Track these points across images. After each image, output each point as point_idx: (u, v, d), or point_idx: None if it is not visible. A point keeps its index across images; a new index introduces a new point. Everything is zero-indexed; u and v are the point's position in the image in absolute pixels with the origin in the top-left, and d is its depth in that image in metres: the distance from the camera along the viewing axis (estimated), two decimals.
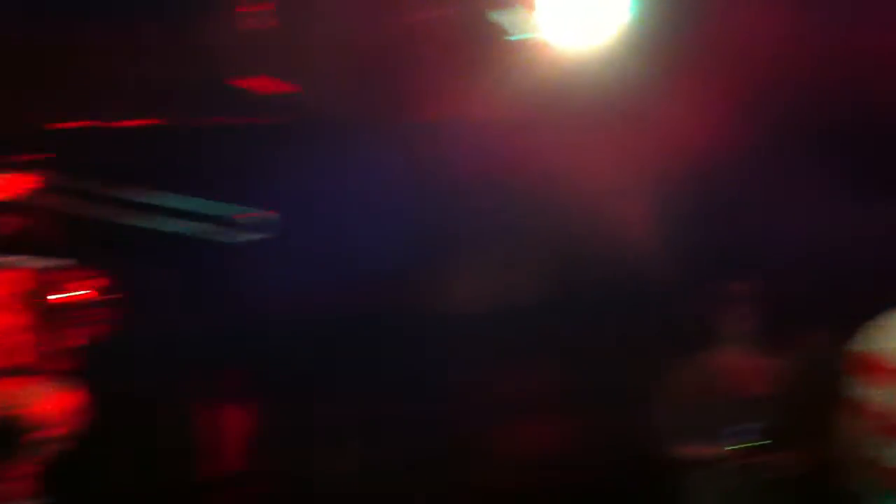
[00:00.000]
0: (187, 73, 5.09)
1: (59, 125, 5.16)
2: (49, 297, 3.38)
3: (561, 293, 5.70)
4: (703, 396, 5.46)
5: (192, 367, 5.05)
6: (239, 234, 4.22)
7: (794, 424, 4.97)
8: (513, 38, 5.00)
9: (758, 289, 5.16)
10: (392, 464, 4.83)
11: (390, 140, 5.38)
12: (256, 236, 4.28)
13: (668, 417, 5.40)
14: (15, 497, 4.00)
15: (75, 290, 4.47)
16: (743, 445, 5.04)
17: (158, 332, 5.12)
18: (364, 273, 5.34)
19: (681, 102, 5.35)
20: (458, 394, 5.20)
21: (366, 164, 5.36)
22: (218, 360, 5.07)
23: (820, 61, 5.14)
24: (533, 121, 5.46)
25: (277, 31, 5.02)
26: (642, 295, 5.70)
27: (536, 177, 5.63)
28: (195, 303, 5.18)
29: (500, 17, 4.95)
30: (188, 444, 4.90)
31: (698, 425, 5.30)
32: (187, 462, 4.79)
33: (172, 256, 4.60)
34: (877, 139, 5.65)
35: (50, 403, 3.66)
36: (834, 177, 5.56)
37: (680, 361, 5.32)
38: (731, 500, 5.24)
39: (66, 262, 3.54)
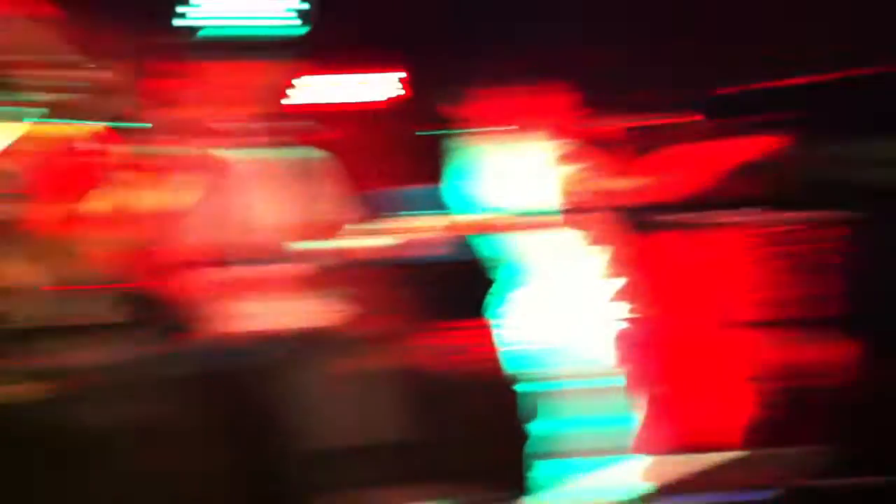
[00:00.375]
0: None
1: (798, 80, 5.14)
2: (796, 249, 3.37)
3: None
4: None
5: None
6: None
7: None
8: None
9: None
10: None
11: None
12: None
13: None
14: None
15: (819, 241, 4.44)
16: None
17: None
18: None
19: None
20: None
21: None
22: None
23: None
24: None
25: None
26: None
27: None
28: None
29: None
30: None
31: None
32: None
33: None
34: None
35: (815, 353, 3.67)
36: None
37: None
38: None
39: (810, 214, 3.50)
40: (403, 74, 6.37)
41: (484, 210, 3.93)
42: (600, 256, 3.73)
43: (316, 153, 3.62)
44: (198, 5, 5.02)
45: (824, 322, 4.35)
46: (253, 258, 3.41)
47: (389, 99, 6.48)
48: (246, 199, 3.47)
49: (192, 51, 3.42)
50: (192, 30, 5.21)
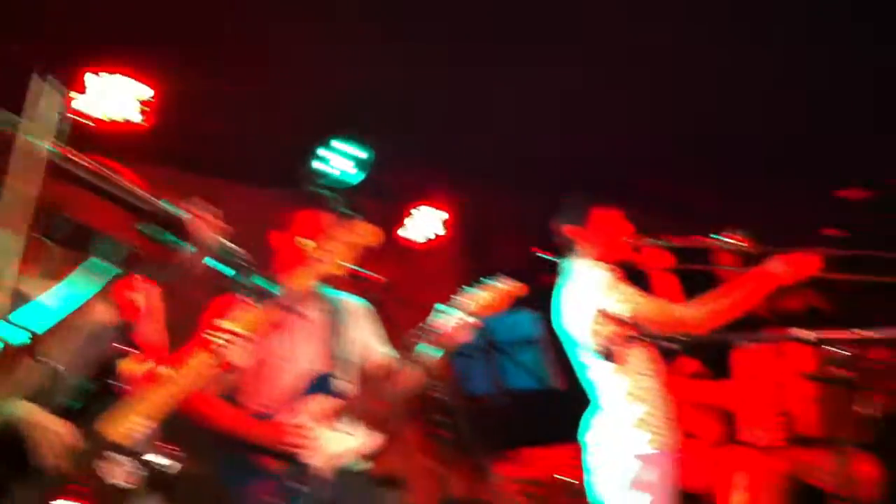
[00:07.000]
0: None
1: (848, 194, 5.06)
2: (836, 369, 3.25)
3: None
4: None
5: None
6: None
7: None
8: None
9: None
10: None
11: None
12: None
13: None
14: None
15: (864, 361, 4.30)
16: None
17: None
18: None
19: None
20: None
21: None
22: None
23: None
24: None
25: None
26: None
27: None
28: None
29: None
30: None
31: None
32: None
33: None
34: None
35: (845, 474, 3.52)
36: None
37: None
38: None
39: (857, 334, 3.40)
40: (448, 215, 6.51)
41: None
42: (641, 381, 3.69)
43: (358, 299, 3.61)
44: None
45: (855, 443, 4.20)
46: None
47: (439, 237, 6.58)
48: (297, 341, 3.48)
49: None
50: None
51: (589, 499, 3.65)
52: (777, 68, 4.81)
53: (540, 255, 3.92)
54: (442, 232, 6.55)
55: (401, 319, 3.56)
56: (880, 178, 5.18)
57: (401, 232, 6.49)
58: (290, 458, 3.26)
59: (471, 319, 3.38)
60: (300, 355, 3.42)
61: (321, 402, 3.36)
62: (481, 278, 3.46)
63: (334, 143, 5.72)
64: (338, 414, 3.36)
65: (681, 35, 4.57)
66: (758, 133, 5.13)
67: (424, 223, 6.53)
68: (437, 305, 3.39)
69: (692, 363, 4.88)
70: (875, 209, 5.06)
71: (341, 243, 3.19)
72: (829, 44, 4.56)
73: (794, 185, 5.09)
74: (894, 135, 4.84)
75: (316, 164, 5.70)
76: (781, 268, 3.62)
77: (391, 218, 6.30)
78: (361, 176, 5.68)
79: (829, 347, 3.14)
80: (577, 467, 3.78)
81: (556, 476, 5.23)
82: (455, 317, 3.37)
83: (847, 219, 4.72)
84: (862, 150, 4.93)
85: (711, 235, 3.79)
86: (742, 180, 5.28)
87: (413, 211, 6.50)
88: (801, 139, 5.05)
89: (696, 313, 3.57)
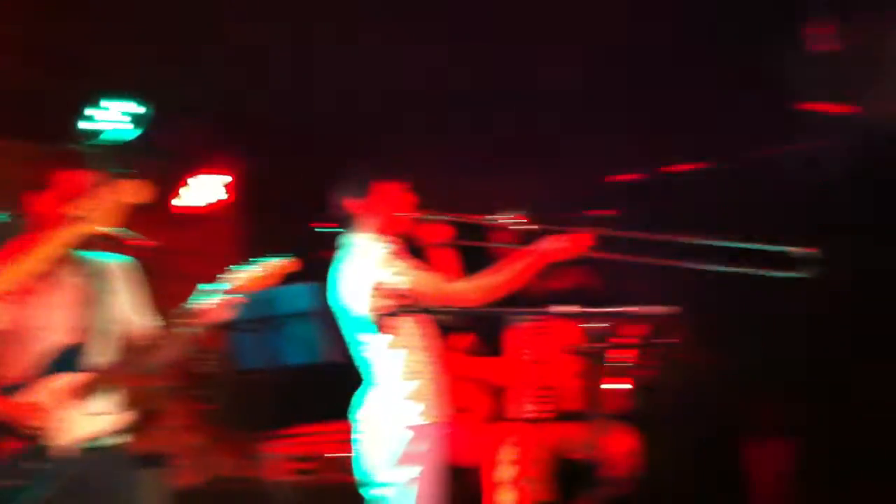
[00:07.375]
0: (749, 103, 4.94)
1: (619, 178, 5.28)
2: (597, 345, 3.39)
3: None
4: None
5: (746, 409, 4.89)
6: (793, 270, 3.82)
7: None
8: None
9: None
10: None
11: None
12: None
13: None
14: None
15: (623, 338, 4.51)
16: None
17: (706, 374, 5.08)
18: None
19: None
20: None
21: None
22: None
23: None
24: None
25: (842, 53, 4.72)
26: None
27: None
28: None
29: None
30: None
31: None
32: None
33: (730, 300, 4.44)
34: None
35: (604, 447, 3.69)
36: None
37: None
38: None
39: (614, 310, 3.56)
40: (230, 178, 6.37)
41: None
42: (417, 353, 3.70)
43: (125, 260, 3.41)
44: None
45: (614, 417, 4.42)
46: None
47: (220, 202, 6.41)
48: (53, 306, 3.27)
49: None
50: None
51: (357, 474, 3.63)
52: (554, 51, 4.95)
53: (319, 228, 3.85)
54: (224, 197, 6.37)
55: (172, 288, 3.40)
56: (649, 165, 5.44)
57: (177, 199, 6.27)
58: (30, 438, 3.04)
59: (236, 297, 3.26)
60: (54, 324, 3.19)
61: (71, 376, 3.15)
62: (250, 258, 3.34)
63: (107, 99, 5.42)
64: (91, 388, 3.16)
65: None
66: (535, 115, 5.26)
67: (205, 188, 6.33)
68: (200, 285, 3.24)
69: (466, 338, 4.96)
70: (644, 193, 5.30)
71: (106, 203, 3.00)
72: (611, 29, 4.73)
73: (568, 167, 5.27)
74: (664, 125, 5.08)
75: (84, 122, 5.39)
76: (553, 246, 3.71)
77: (170, 182, 6.06)
78: (136, 133, 5.42)
79: (588, 323, 3.20)
80: (349, 443, 3.75)
81: (326, 453, 5.20)
82: (220, 294, 3.24)
83: (617, 201, 4.93)
84: (633, 138, 5.15)
85: (489, 213, 3.84)
86: (519, 161, 5.41)
87: (190, 179, 6.29)
88: (576, 124, 5.22)
89: (470, 288, 3.61)
